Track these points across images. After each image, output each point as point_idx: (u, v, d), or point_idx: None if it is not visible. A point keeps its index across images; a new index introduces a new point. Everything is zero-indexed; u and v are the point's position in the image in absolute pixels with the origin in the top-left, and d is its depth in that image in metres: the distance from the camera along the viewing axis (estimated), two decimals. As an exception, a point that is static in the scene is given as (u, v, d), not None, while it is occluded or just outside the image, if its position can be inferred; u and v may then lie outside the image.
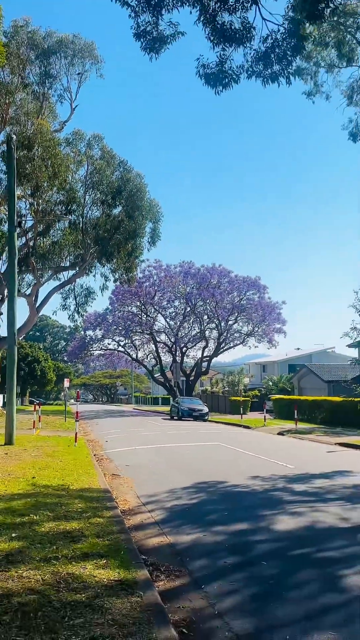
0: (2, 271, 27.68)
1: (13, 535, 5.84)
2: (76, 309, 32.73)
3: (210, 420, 31.32)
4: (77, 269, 32.49)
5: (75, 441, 15.70)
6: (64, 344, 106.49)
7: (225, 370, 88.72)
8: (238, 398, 42.26)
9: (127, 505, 8.18)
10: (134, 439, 18.82)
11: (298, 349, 67.98)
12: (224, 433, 21.80)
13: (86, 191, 30.19)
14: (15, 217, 16.03)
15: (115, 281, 34.94)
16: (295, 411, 23.86)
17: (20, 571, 4.71)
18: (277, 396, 37.62)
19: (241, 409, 29.45)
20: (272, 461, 12.61)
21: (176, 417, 32.66)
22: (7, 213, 19.60)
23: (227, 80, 9.47)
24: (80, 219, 30.43)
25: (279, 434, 21.33)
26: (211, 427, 25.93)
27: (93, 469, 11.22)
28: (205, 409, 31.99)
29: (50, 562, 4.94)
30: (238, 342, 48.44)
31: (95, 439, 19.34)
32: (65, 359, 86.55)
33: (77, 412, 16.18)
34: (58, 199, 29.17)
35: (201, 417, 31.20)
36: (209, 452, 14.72)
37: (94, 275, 33.34)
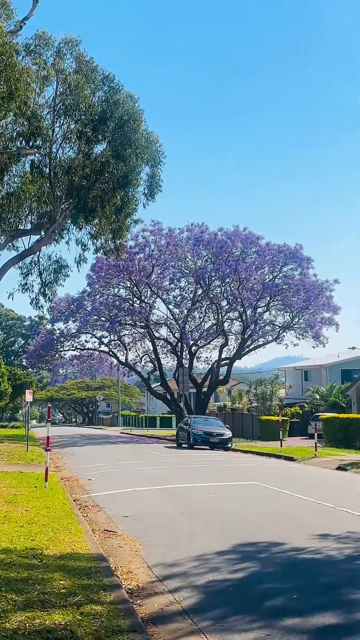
0: None
1: None
2: (42, 289, 31.85)
3: (234, 449, 30.61)
4: (43, 233, 31.55)
5: (46, 480, 14.94)
6: (23, 342, 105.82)
7: (246, 379, 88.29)
8: (273, 417, 41.57)
9: (135, 580, 7.39)
10: (129, 477, 18.05)
11: (353, 348, 67.34)
12: (259, 468, 21.06)
13: (55, 119, 29.20)
14: None
15: (97, 251, 34.02)
16: (363, 436, 23.12)
17: None
18: (328, 414, 36.96)
19: (280, 433, 28.68)
20: (342, 510, 11.79)
21: (186, 445, 31.97)
22: None
23: None
24: (47, 160, 29.47)
25: (339, 468, 20.62)
26: (238, 458, 25.22)
27: (76, 523, 10.44)
28: (228, 433, 31.31)
29: None
30: (270, 339, 47.68)
31: (73, 476, 18.65)
32: (25, 362, 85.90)
33: (47, 438, 15.34)
34: (15, 131, 28.19)
35: (222, 445, 30.51)
36: (244, 496, 13.90)
37: (67, 242, 32.38)
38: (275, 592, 6.70)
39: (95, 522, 11.27)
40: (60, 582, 6.77)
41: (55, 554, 8.20)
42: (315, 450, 24.62)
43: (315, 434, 25.11)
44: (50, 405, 15.61)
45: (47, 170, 29.20)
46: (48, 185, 29.36)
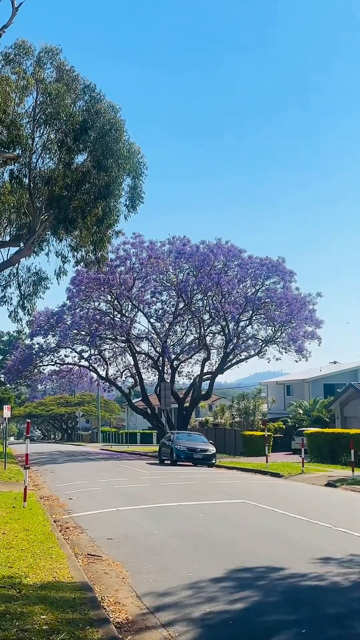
0: None
1: None
2: (21, 302, 31.06)
3: (218, 465, 29.95)
4: (22, 244, 30.83)
5: (25, 500, 14.20)
6: (1, 357, 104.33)
7: (226, 394, 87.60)
8: (256, 433, 41.00)
9: (124, 612, 6.75)
10: (112, 495, 17.33)
11: (335, 362, 67.18)
12: (246, 485, 20.42)
13: (35, 128, 28.62)
14: None
15: (77, 263, 33.32)
16: (352, 451, 22.56)
17: None
18: (313, 429, 36.45)
19: (266, 448, 28.10)
20: (340, 530, 11.20)
21: (168, 461, 31.24)
22: None
23: None
24: (27, 171, 28.84)
25: (329, 485, 20.06)
26: (223, 475, 24.57)
27: (57, 547, 9.76)
28: (212, 449, 30.64)
29: None
30: (252, 353, 47.20)
31: (53, 495, 17.91)
32: (3, 378, 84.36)
33: (26, 455, 14.59)
34: (-7, 140, 27.59)
35: (206, 461, 29.83)
36: (235, 516, 13.24)
37: (47, 254, 31.69)
38: (280, 626, 6.07)
39: (77, 545, 10.59)
40: (41, 616, 6.12)
41: (35, 583, 7.53)
42: (303, 466, 24.02)
43: (303, 450, 24.52)
44: (29, 421, 14.85)
45: (27, 180, 28.58)
46: (27, 196, 28.71)
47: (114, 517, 13.37)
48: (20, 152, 28.03)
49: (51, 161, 29.63)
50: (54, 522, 12.89)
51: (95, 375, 55.65)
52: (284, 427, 45.37)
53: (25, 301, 31.26)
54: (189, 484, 20.30)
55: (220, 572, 8.08)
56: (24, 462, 34.12)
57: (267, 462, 26.60)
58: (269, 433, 41.29)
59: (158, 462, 33.13)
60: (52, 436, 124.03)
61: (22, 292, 31.42)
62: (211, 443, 32.06)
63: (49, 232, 30.91)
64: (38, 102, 28.88)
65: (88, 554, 9.81)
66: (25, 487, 14.37)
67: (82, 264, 33.25)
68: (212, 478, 22.54)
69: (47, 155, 29.81)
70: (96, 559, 9.43)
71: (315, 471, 24.37)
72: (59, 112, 28.42)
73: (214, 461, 30.21)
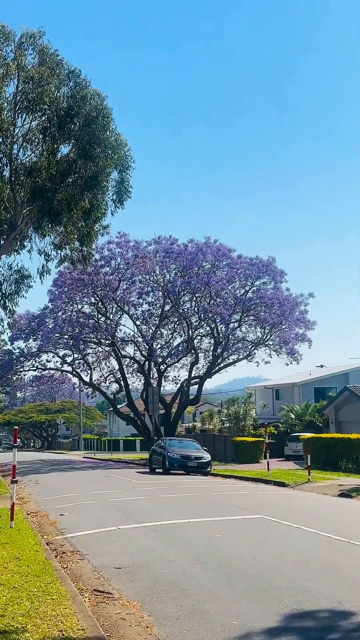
0: None
1: None
2: (2, 301, 29.07)
3: (214, 474, 28.15)
4: (2, 240, 28.97)
5: (12, 519, 12.28)
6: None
7: (205, 399, 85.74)
8: (248, 439, 39.37)
9: None
10: (108, 510, 15.46)
11: (322, 366, 65.76)
12: (253, 497, 18.61)
13: (17, 115, 26.75)
14: None
15: (62, 261, 31.42)
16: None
17: None
18: (309, 434, 34.82)
19: (267, 455, 26.40)
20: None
21: (160, 470, 29.37)
22: None
23: None
24: (7, 162, 26.98)
25: (343, 495, 18.34)
26: (224, 485, 22.77)
27: (56, 582, 7.94)
28: (207, 457, 28.83)
29: None
30: (241, 356, 45.46)
31: (41, 511, 16.01)
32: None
33: (14, 467, 12.66)
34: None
35: (201, 469, 28.01)
36: (257, 535, 11.42)
37: (29, 251, 29.77)
38: None
39: (80, 577, 8.75)
40: None
41: (36, 639, 5.70)
42: (309, 474, 22.27)
43: (308, 457, 22.67)
44: (17, 427, 12.93)
45: (7, 171, 26.76)
46: (9, 189, 26.91)
47: (115, 538, 11.52)
48: (0, 139, 26.21)
49: (34, 153, 27.85)
50: (47, 544, 11.03)
51: (76, 381, 53.56)
52: (276, 432, 43.62)
53: (6, 301, 29.24)
54: (191, 495, 18.43)
55: (274, 619, 6.31)
56: (5, 472, 32.20)
57: (268, 470, 24.84)
58: (269, 440, 39.71)
59: (149, 470, 31.21)
60: (32, 444, 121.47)
61: (3, 291, 29.42)
62: (205, 450, 30.24)
63: (31, 229, 29.14)
64: (20, 89, 27.14)
65: (95, 590, 7.99)
66: (13, 504, 12.45)
67: (67, 261, 31.43)
68: (213, 488, 20.70)
69: (30, 146, 28.05)
70: (107, 598, 7.60)
71: (321, 479, 22.68)
72: (43, 97, 26.59)
73: (209, 469, 28.39)
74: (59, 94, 27.37)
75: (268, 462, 25.10)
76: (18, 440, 12.58)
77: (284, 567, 8.70)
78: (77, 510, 15.85)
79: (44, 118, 27.18)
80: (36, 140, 27.83)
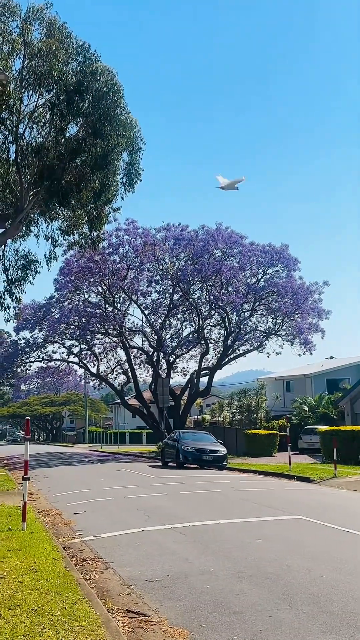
0: None
1: None
2: (8, 287, 27.87)
3: (230, 468, 26.87)
4: (8, 224, 27.65)
5: (24, 520, 10.99)
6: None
7: (214, 392, 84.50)
8: (261, 431, 38.18)
9: None
10: (126, 509, 14.16)
11: (331, 357, 64.46)
12: (282, 493, 17.26)
13: (23, 91, 25.38)
14: None
15: (70, 247, 30.21)
16: None
17: None
18: (327, 427, 33.57)
19: (287, 448, 25.13)
20: None
21: (173, 464, 28.13)
22: None
23: None
24: (13, 140, 25.63)
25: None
26: (245, 480, 21.50)
27: (82, 601, 6.61)
28: (223, 450, 27.57)
29: None
30: (252, 347, 44.16)
31: (54, 509, 14.73)
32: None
33: (26, 462, 11.34)
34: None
35: (216, 463, 26.75)
36: (304, 541, 10.04)
37: (36, 236, 28.50)
38: None
39: (107, 592, 7.43)
40: None
41: None
42: (335, 469, 20.95)
43: (335, 450, 21.30)
44: (28, 418, 11.62)
45: (14, 151, 25.46)
46: (14, 170, 25.63)
47: (141, 542, 10.21)
48: (6, 115, 24.85)
49: (41, 131, 26.52)
50: (64, 550, 9.73)
51: (82, 373, 52.30)
52: (288, 424, 42.34)
53: (13, 286, 27.89)
54: (213, 492, 17.10)
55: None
56: (11, 465, 30.98)
57: (289, 463, 23.52)
58: (274, 432, 38.66)
59: (161, 464, 29.95)
60: (36, 437, 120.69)
61: (10, 277, 28.05)
62: (221, 443, 28.96)
63: (38, 212, 27.88)
64: (25, 64, 25.76)
65: (128, 610, 6.68)
66: (24, 504, 11.14)
67: (75, 247, 30.15)
68: (235, 484, 19.37)
69: (37, 126, 26.74)
70: (144, 622, 6.28)
71: (348, 474, 21.36)
72: (51, 71, 25.23)
73: (225, 463, 27.11)
74: (67, 68, 26.00)
75: (290, 456, 23.75)
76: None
77: (350, 584, 7.35)
78: (92, 508, 14.56)
79: (51, 94, 25.89)
80: (43, 119, 26.59)
